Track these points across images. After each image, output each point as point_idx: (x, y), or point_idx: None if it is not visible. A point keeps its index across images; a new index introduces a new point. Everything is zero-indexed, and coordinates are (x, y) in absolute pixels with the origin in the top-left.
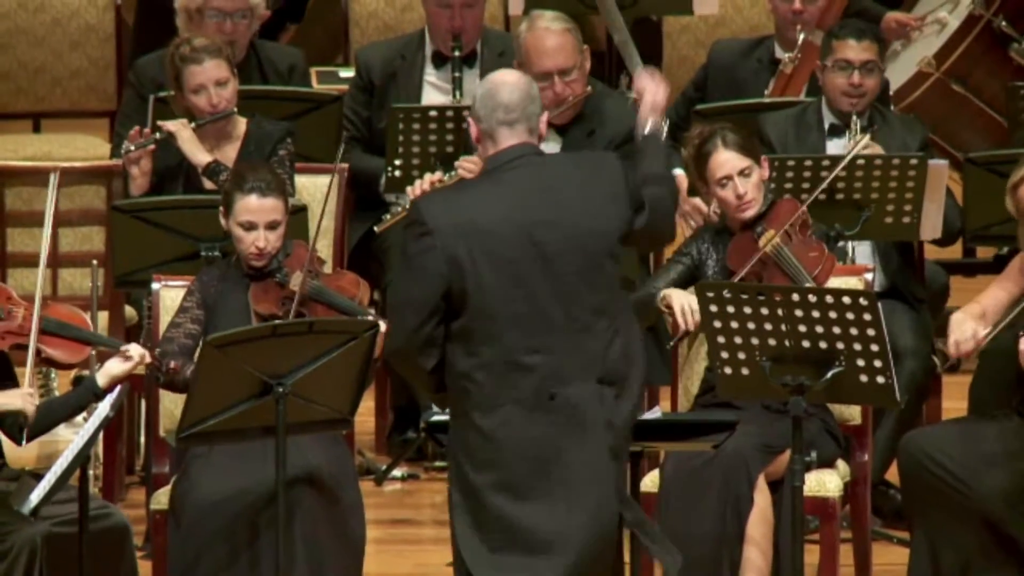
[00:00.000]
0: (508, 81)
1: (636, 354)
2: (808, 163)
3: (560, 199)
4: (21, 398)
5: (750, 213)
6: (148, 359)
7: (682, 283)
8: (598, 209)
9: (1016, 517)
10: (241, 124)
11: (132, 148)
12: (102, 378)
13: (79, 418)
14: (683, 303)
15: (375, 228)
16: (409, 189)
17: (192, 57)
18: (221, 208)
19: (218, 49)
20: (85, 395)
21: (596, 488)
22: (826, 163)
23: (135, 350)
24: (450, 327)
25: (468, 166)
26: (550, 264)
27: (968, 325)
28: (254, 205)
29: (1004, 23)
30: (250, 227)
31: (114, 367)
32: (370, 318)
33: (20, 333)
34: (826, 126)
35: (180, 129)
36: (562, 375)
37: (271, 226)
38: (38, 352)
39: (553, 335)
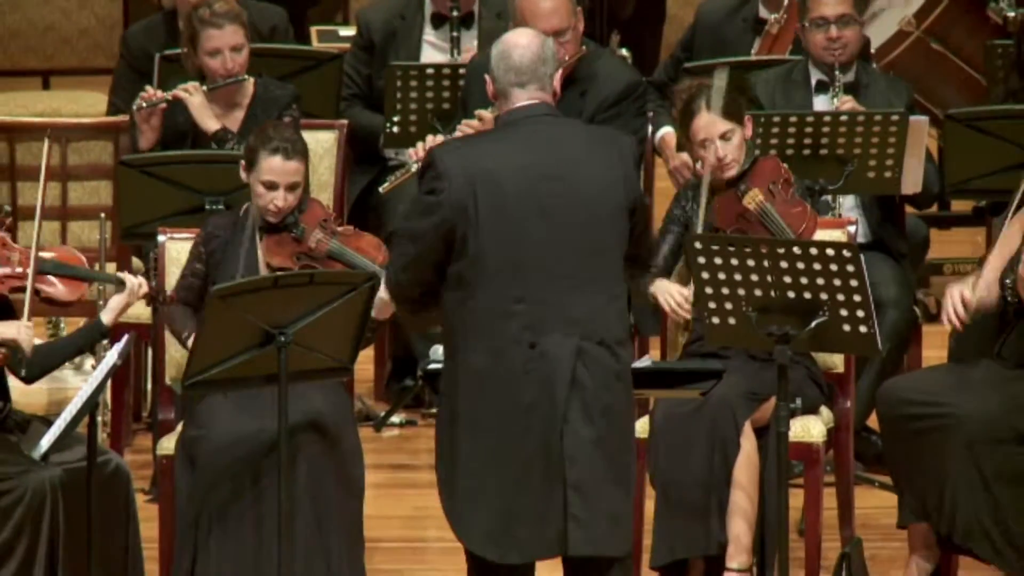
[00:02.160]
0: (520, 43)
1: (628, 326)
2: (793, 119)
3: (568, 158)
4: (16, 328)
5: (730, 174)
6: (145, 288)
7: (679, 251)
8: (605, 176)
9: (994, 441)
10: (248, 87)
11: (144, 105)
12: (106, 315)
13: (88, 366)
14: (668, 300)
15: (380, 189)
16: (411, 151)
17: (212, 21)
18: (242, 162)
19: (237, 15)
20: (91, 332)
21: (571, 438)
22: (810, 119)
23: (130, 279)
24: (447, 273)
25: (469, 125)
26: (551, 218)
27: (957, 290)
28: (278, 166)
29: None
30: (271, 186)
31: (115, 301)
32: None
33: (18, 276)
34: (813, 83)
35: (192, 95)
36: (544, 327)
37: (291, 187)
38: (37, 292)
39: (543, 287)
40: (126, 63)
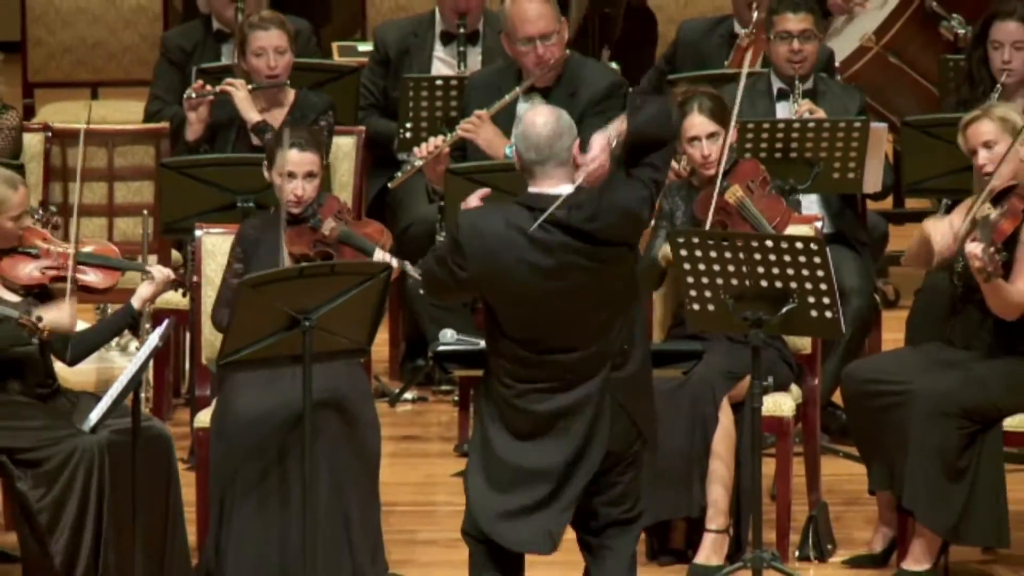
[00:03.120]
0: (537, 122)
1: (641, 334)
2: (766, 126)
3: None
4: (66, 314)
5: (710, 172)
6: (172, 277)
7: None
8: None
9: (943, 415)
10: (290, 94)
11: (193, 96)
12: (136, 300)
13: (132, 348)
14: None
15: (389, 184)
16: (416, 149)
17: (259, 24)
18: (265, 162)
19: (282, 22)
20: (124, 316)
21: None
22: (782, 126)
23: (157, 270)
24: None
25: (467, 127)
26: (567, 299)
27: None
28: (294, 157)
29: (935, 3)
30: (290, 176)
31: (143, 289)
32: (387, 257)
33: (58, 267)
34: (774, 92)
35: (237, 88)
36: (576, 370)
37: (308, 177)
38: (75, 280)
39: (569, 346)
40: (164, 59)
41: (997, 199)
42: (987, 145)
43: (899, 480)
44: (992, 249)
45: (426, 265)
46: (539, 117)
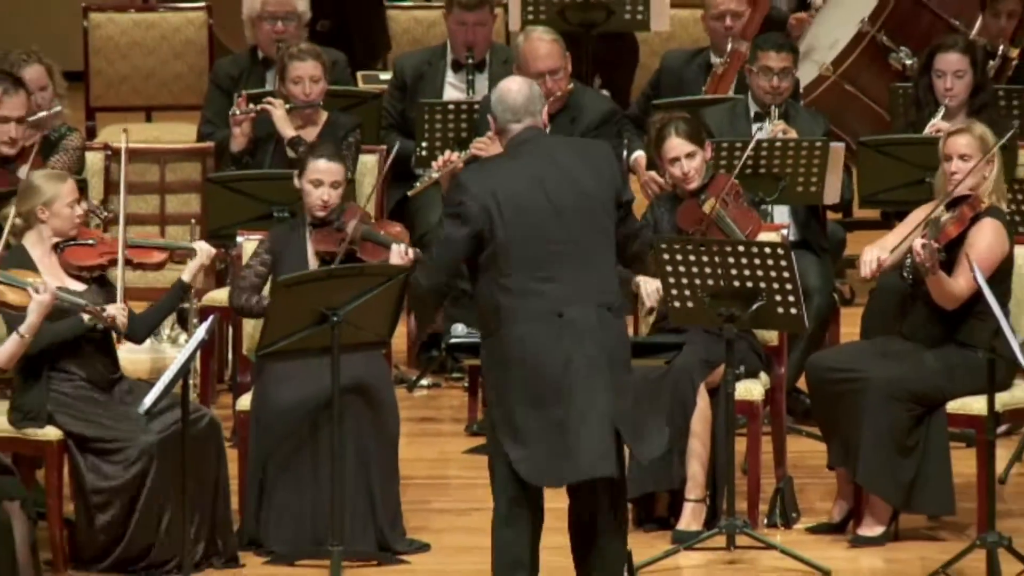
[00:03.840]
0: (512, 88)
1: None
2: (739, 145)
3: (566, 163)
4: (115, 309)
5: (691, 187)
6: (214, 251)
7: None
8: (593, 174)
9: (893, 400)
10: (323, 115)
11: (238, 112)
12: (186, 274)
13: (182, 339)
14: (647, 289)
15: (408, 193)
16: (433, 163)
17: (298, 55)
18: (296, 172)
19: (318, 54)
20: (176, 291)
21: (597, 394)
22: (752, 145)
23: (201, 245)
24: (481, 260)
25: (479, 145)
26: (560, 213)
27: (874, 252)
28: (322, 166)
29: (885, 37)
30: (318, 184)
31: (192, 264)
32: (402, 248)
33: (112, 251)
34: (752, 115)
35: (276, 107)
36: (568, 299)
37: (334, 185)
38: (129, 261)
39: (562, 268)
40: (214, 85)
41: (952, 205)
42: (963, 157)
43: (854, 457)
44: (936, 246)
45: (429, 253)
46: (513, 84)
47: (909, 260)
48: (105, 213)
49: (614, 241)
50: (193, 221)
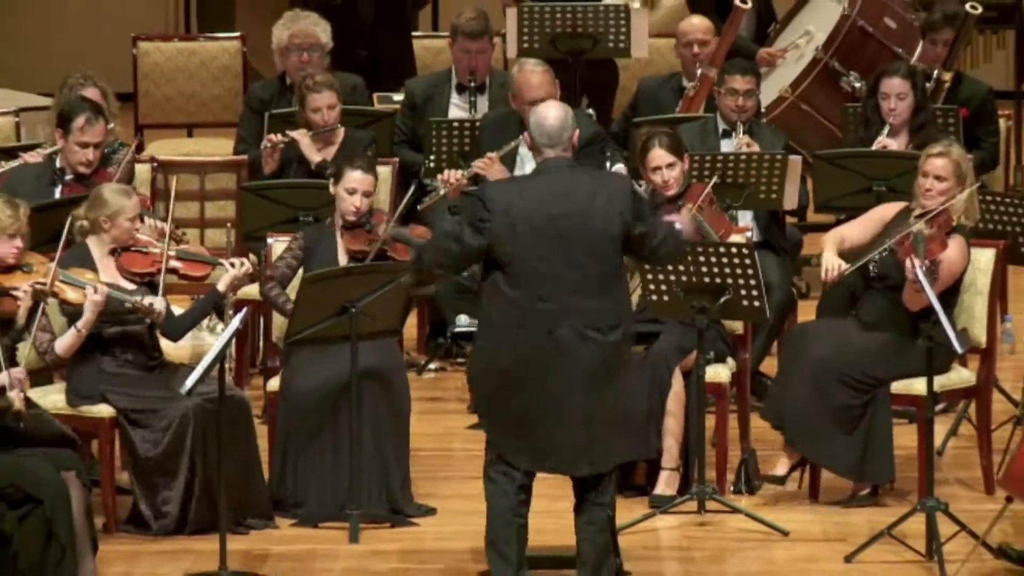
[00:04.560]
0: (550, 116)
1: (626, 309)
2: (708, 158)
3: (580, 198)
4: (158, 303)
5: (670, 193)
6: (247, 268)
7: None
8: (603, 209)
9: (830, 377)
10: (341, 133)
11: (268, 145)
12: (220, 285)
13: (219, 328)
14: None
15: (419, 207)
16: (439, 176)
17: (314, 87)
18: (331, 179)
19: (332, 84)
20: (210, 298)
21: (575, 397)
22: (720, 158)
23: (233, 262)
24: (490, 263)
25: (480, 165)
26: (564, 241)
27: (835, 260)
28: (358, 177)
29: (837, 64)
30: (352, 192)
31: (225, 277)
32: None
33: (159, 260)
34: (720, 132)
35: (301, 137)
36: (558, 320)
37: (366, 193)
38: (175, 271)
39: (559, 290)
40: (248, 108)
41: (922, 215)
42: (938, 178)
43: (811, 437)
44: (928, 263)
45: (429, 242)
46: (551, 111)
47: (878, 259)
48: (155, 222)
49: (616, 269)
50: (229, 225)
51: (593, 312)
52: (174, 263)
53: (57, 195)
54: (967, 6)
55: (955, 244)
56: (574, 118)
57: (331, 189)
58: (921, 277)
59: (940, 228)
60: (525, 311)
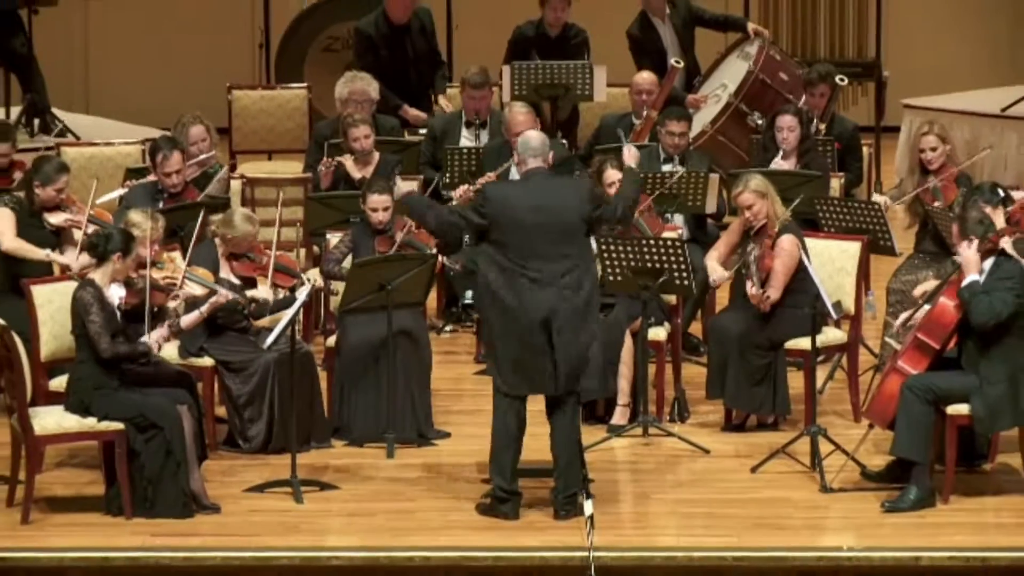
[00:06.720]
0: (534, 136)
1: (592, 279)
2: (651, 176)
3: (551, 195)
4: (266, 291)
5: None
6: (319, 286)
7: None
8: (572, 205)
9: (746, 347)
10: (376, 156)
11: (322, 169)
12: (301, 294)
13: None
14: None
15: None
16: (454, 192)
17: (354, 124)
18: (362, 198)
19: (367, 120)
20: (288, 298)
21: (556, 338)
22: (658, 175)
23: (308, 280)
24: (487, 239)
25: (483, 181)
26: (541, 227)
27: (718, 271)
28: (375, 199)
29: (744, 106)
30: (374, 210)
31: (305, 287)
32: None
33: (263, 270)
34: (662, 157)
35: (346, 160)
36: (540, 281)
37: (384, 209)
38: (275, 285)
39: (537, 260)
40: (313, 140)
41: (756, 235)
42: (748, 207)
43: (730, 389)
44: (761, 291)
45: (439, 227)
46: (534, 133)
47: (743, 267)
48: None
49: (584, 244)
50: (298, 224)
51: (564, 275)
52: (273, 278)
53: (160, 207)
54: (836, 79)
55: (787, 243)
56: (548, 142)
57: (361, 205)
58: (757, 292)
59: (766, 243)
60: (512, 273)
